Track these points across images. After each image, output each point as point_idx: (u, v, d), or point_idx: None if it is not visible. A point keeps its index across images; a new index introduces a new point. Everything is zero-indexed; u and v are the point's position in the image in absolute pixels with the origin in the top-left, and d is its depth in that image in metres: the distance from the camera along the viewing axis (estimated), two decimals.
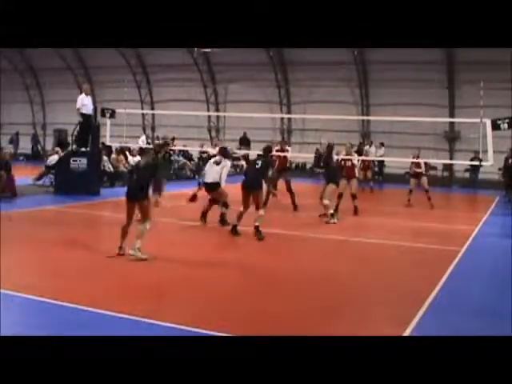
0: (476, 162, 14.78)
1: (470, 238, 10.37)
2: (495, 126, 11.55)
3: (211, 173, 10.74)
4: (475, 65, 21.27)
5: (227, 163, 10.94)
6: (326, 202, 11.77)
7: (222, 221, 10.76)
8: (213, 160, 10.98)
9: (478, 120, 12.36)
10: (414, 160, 15.77)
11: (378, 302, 6.29)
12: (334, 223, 11.58)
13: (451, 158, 23.81)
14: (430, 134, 23.06)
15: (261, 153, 10.75)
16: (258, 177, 9.99)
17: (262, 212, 9.72)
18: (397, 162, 22.78)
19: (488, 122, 11.70)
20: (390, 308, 6.05)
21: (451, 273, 7.65)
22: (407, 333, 5.10)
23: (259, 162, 10.21)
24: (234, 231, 9.83)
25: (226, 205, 10.70)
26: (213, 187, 10.68)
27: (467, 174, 23.46)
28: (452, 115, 23.27)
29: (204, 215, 10.90)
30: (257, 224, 9.58)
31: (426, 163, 16.66)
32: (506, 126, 11.41)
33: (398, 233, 10.98)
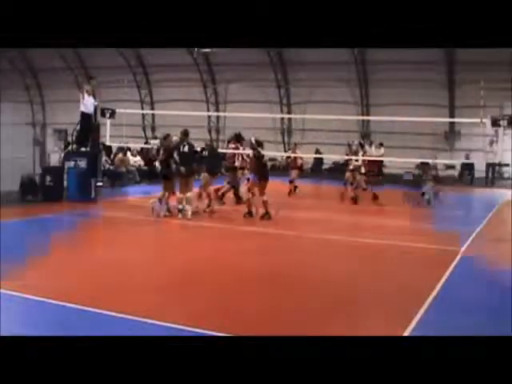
0: (474, 161, 14.76)
1: (470, 238, 10.36)
2: (495, 124, 11.57)
3: None
4: (475, 65, 21.27)
5: None
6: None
7: None
8: None
9: (478, 120, 12.37)
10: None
11: (378, 302, 6.29)
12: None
13: (451, 158, 23.81)
14: (429, 134, 23.06)
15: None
16: None
17: None
18: (396, 162, 22.78)
19: (488, 121, 11.72)
20: (390, 308, 6.05)
21: (451, 273, 7.64)
22: (407, 333, 5.10)
23: None
24: None
25: None
26: None
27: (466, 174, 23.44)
28: (452, 115, 23.26)
29: None
30: None
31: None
32: (505, 123, 11.43)
33: (398, 233, 10.97)
